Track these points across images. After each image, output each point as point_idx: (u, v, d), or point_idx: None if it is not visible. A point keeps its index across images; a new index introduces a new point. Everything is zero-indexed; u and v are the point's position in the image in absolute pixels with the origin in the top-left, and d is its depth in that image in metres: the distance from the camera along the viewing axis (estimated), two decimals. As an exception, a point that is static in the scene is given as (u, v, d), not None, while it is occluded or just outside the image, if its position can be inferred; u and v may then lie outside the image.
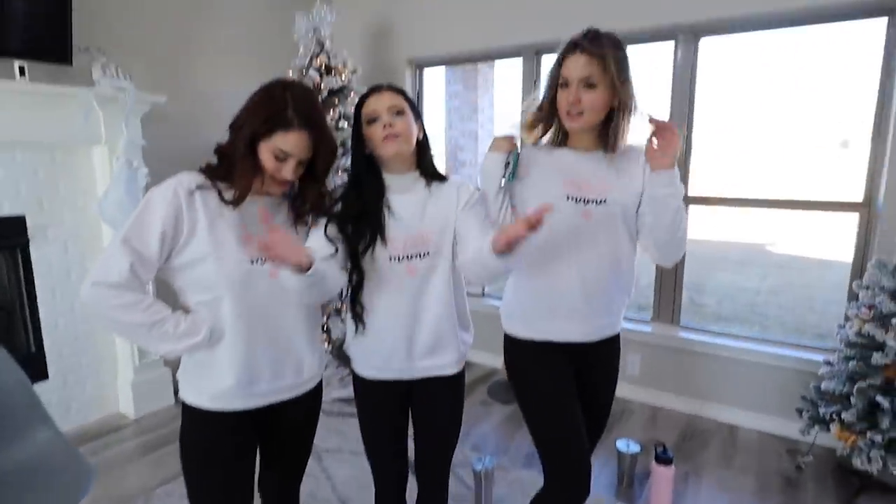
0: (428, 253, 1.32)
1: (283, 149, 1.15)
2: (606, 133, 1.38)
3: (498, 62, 4.34)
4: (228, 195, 1.17)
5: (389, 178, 1.34)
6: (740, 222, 8.78)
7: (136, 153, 2.62)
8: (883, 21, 2.35)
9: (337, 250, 1.26)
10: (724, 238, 8.42)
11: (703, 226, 7.68)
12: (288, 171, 1.17)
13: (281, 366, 1.26)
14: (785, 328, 5.12)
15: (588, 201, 1.38)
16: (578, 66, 1.30)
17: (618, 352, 1.56)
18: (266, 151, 1.16)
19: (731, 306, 5.75)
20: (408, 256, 1.31)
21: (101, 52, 2.61)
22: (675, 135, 1.32)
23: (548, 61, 3.12)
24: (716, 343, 2.82)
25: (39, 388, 2.51)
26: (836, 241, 8.09)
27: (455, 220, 1.34)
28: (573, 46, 1.33)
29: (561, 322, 1.43)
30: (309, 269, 1.10)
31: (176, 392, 2.92)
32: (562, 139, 1.44)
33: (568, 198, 1.38)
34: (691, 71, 2.71)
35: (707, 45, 2.70)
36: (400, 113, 1.29)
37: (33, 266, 2.52)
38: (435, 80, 3.88)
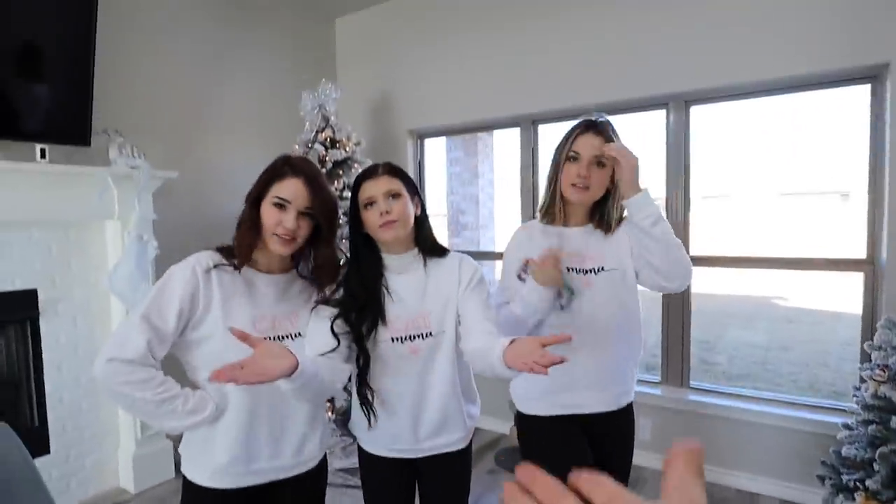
0: (430, 333, 1.31)
1: (280, 195, 1.18)
2: (595, 210, 1.48)
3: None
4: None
5: (388, 258, 1.34)
6: (745, 277, 8.70)
7: (147, 227, 2.67)
8: (867, 87, 2.40)
9: (339, 343, 1.24)
10: (730, 292, 8.31)
11: (707, 281, 7.61)
12: (289, 220, 1.17)
13: (279, 444, 1.24)
14: (798, 386, 4.95)
15: (587, 271, 1.45)
16: (593, 145, 1.39)
17: (633, 420, 1.55)
18: (267, 206, 1.19)
19: (742, 364, 5.59)
20: (410, 337, 1.30)
21: (117, 133, 2.71)
22: (625, 150, 1.37)
23: (544, 131, 3.24)
24: (728, 405, 2.71)
25: (40, 462, 2.44)
26: (844, 293, 7.96)
27: (457, 300, 1.33)
28: (588, 126, 1.41)
29: (579, 394, 1.45)
30: (294, 371, 1.05)
31: (177, 466, 2.83)
32: (551, 217, 1.50)
33: (569, 269, 1.44)
34: (684, 136, 2.76)
35: (698, 111, 2.76)
36: (396, 196, 1.29)
37: (42, 340, 2.52)
38: (436, 147, 3.98)
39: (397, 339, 1.29)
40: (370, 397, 1.32)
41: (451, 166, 5.39)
